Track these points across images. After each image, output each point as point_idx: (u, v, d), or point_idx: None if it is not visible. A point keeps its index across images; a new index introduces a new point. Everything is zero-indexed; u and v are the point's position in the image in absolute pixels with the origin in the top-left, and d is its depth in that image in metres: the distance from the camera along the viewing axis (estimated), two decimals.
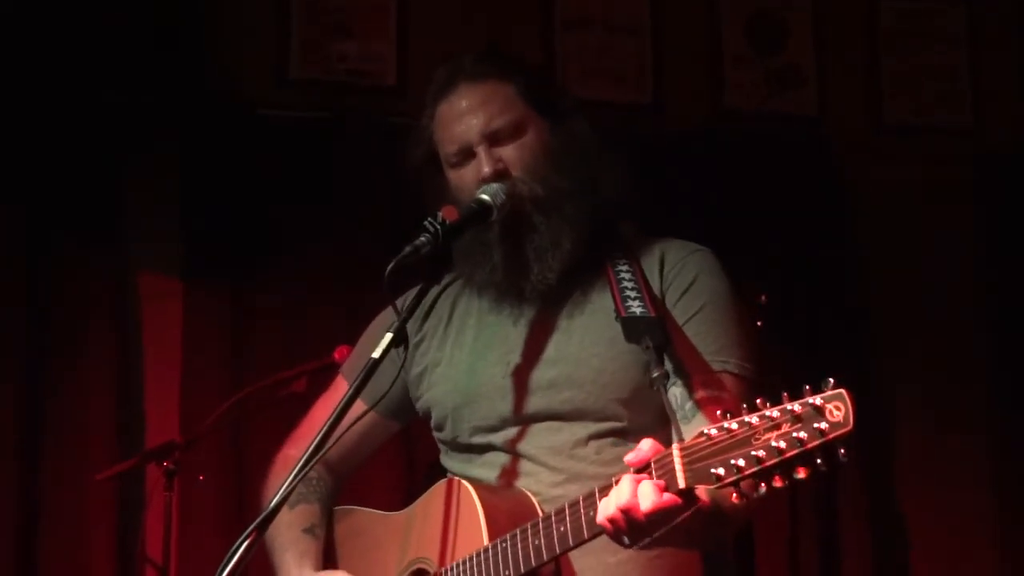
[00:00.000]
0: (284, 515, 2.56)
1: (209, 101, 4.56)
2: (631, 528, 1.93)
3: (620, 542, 1.99)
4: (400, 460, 4.28)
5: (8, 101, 4.39)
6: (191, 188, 4.58)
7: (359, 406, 2.34)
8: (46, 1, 4.41)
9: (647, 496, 1.89)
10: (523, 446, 2.38)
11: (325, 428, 2.15)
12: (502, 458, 2.40)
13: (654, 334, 2.22)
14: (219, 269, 4.53)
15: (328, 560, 2.60)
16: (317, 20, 4.82)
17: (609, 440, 2.33)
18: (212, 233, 4.53)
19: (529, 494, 2.31)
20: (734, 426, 1.78)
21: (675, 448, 1.87)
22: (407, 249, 2.24)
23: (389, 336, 2.22)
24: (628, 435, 2.06)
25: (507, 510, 2.27)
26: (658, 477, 1.90)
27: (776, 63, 5.20)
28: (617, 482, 1.96)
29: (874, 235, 5.11)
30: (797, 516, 4.76)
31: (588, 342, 2.38)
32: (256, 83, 4.74)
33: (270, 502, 2.07)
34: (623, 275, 2.38)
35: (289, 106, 4.70)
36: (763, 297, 3.98)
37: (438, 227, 2.26)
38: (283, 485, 2.09)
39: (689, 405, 2.21)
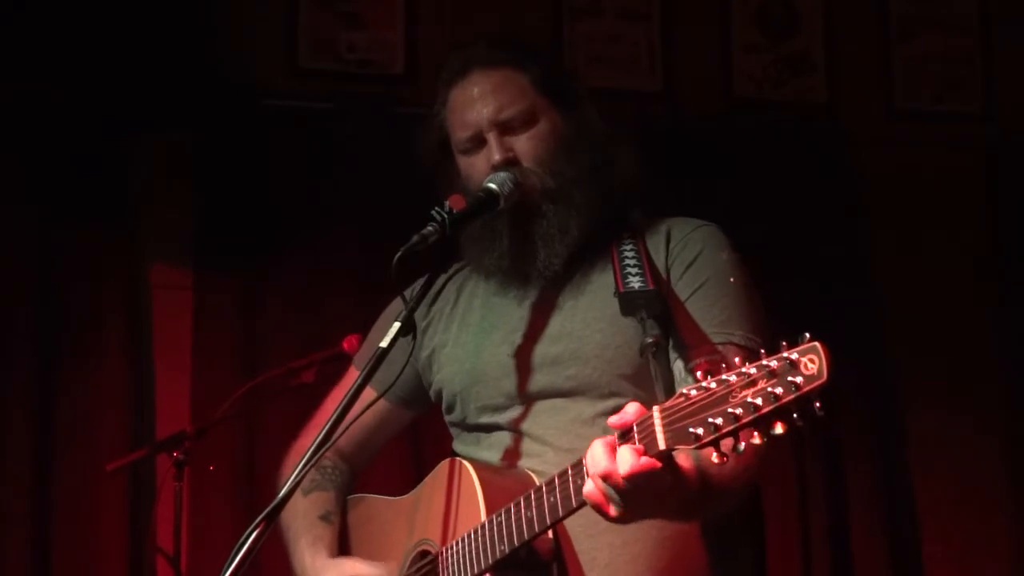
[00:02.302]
0: (299, 502, 2.58)
1: (219, 92, 4.56)
2: (616, 495, 1.91)
3: (607, 513, 1.95)
4: (408, 448, 4.29)
5: (17, 96, 4.40)
6: (201, 179, 4.59)
7: (369, 394, 2.34)
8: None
9: (625, 460, 1.87)
10: (528, 425, 2.39)
11: (335, 416, 2.15)
12: (509, 438, 2.40)
13: (650, 306, 2.23)
14: (230, 260, 4.54)
15: (342, 547, 2.61)
16: (326, 9, 4.83)
17: None
18: (223, 224, 4.54)
19: (531, 473, 2.31)
20: (713, 385, 1.77)
21: (656, 410, 1.86)
22: (415, 238, 2.24)
23: (397, 325, 2.23)
24: None
25: (506, 488, 2.26)
26: (640, 440, 1.88)
27: (786, 50, 5.19)
28: (591, 447, 1.95)
29: (886, 222, 5.10)
30: (807, 508, 4.76)
31: (591, 318, 2.38)
32: (266, 73, 4.74)
33: (281, 492, 2.07)
34: (626, 253, 2.38)
35: (298, 96, 4.71)
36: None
37: (445, 216, 2.27)
38: (294, 473, 2.09)
39: (691, 378, 2.19)
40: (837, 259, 4.99)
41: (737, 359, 1.77)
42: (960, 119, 5.31)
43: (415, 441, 4.25)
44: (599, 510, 1.95)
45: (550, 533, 2.17)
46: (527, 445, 2.37)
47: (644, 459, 1.86)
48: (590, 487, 1.94)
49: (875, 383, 4.87)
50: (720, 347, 2.27)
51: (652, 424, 1.85)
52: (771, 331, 2.33)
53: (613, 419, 1.94)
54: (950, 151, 5.19)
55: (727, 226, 2.48)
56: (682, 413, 1.80)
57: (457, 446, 2.53)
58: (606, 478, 1.90)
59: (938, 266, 5.07)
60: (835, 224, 5.02)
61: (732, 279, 2.37)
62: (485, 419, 2.45)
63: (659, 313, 2.22)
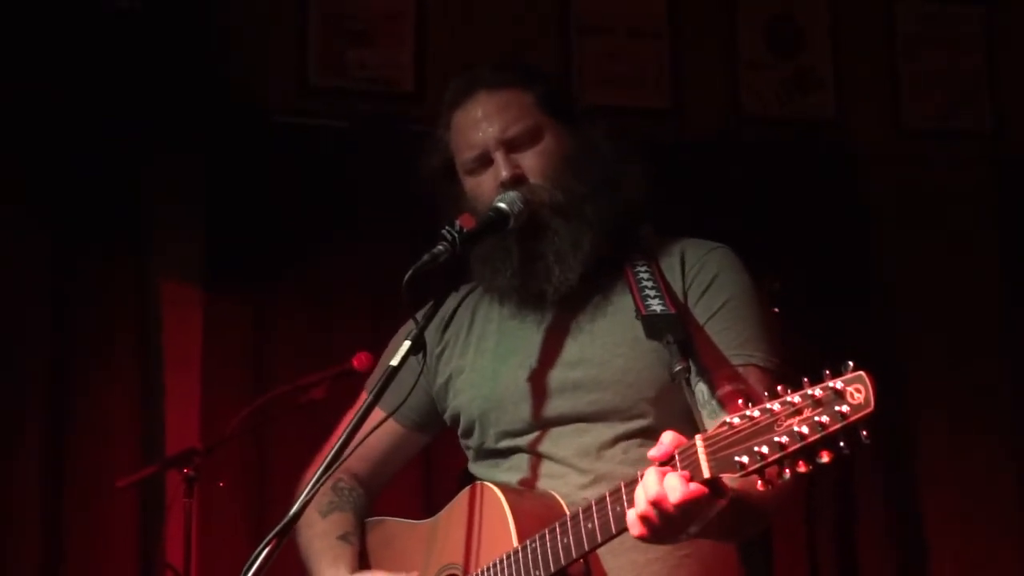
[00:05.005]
0: (318, 524, 2.59)
1: (229, 110, 4.58)
2: (663, 522, 1.93)
3: (651, 539, 1.97)
4: (419, 467, 4.29)
5: (33, 112, 4.43)
6: (212, 196, 4.61)
7: (379, 414, 2.35)
8: (73, 16, 4.44)
9: (675, 488, 1.89)
10: (550, 449, 2.39)
11: (344, 436, 2.16)
12: (529, 461, 2.40)
13: (675, 330, 2.23)
14: (240, 276, 4.55)
15: (362, 570, 2.59)
16: (336, 28, 4.85)
17: (636, 440, 2.33)
18: (233, 241, 4.56)
19: (556, 495, 2.31)
20: (756, 414, 1.78)
21: (698, 439, 1.87)
22: (425, 257, 2.25)
23: (407, 344, 2.24)
24: (654, 434, 2.01)
25: (535, 512, 2.26)
26: (683, 468, 1.89)
27: (794, 68, 5.21)
28: (642, 476, 1.95)
29: (894, 239, 5.10)
30: (815, 520, 4.75)
31: (611, 343, 2.38)
32: (276, 91, 4.76)
33: (292, 510, 2.08)
34: (642, 275, 2.38)
35: (309, 114, 4.73)
36: (777, 284, 3.97)
37: (455, 235, 2.27)
38: (303, 492, 2.10)
39: (715, 401, 2.21)
40: (846, 275, 5.00)
41: (780, 387, 1.78)
42: (967, 136, 5.32)
43: (427, 461, 4.25)
44: (642, 537, 1.97)
45: None
46: (549, 468, 2.38)
47: (693, 486, 1.88)
48: (634, 516, 1.95)
49: (886, 400, 4.86)
50: (741, 369, 2.29)
51: (695, 452, 1.87)
52: (786, 348, 2.37)
53: (653, 451, 1.95)
54: (957, 168, 5.20)
55: (735, 243, 2.49)
56: (726, 441, 1.82)
57: (475, 469, 2.53)
58: (656, 504, 1.91)
59: (945, 281, 5.08)
60: (844, 240, 5.03)
61: (749, 301, 2.38)
62: (505, 443, 2.45)
63: (683, 337, 2.23)
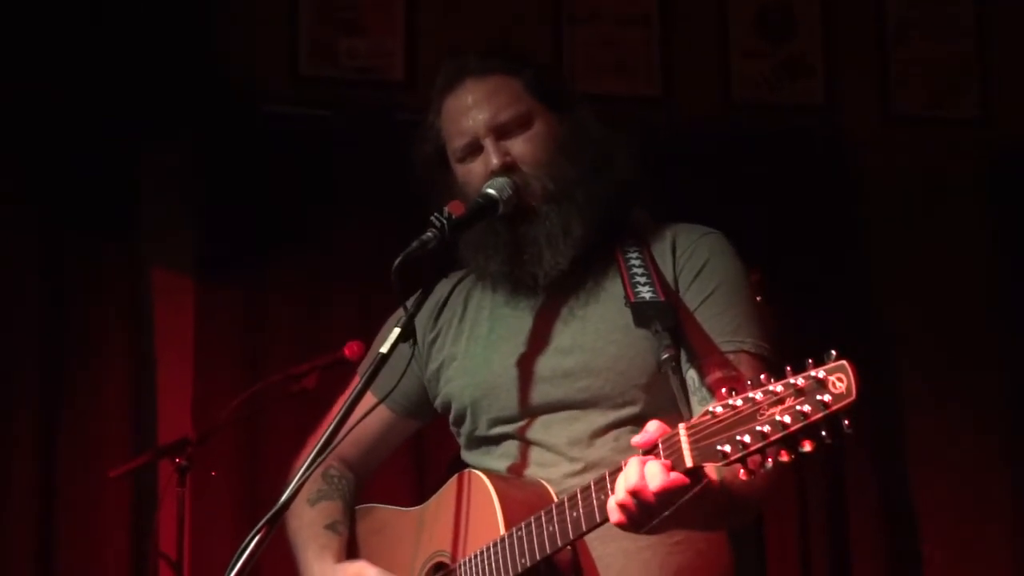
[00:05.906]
0: (306, 513, 2.59)
1: (220, 99, 4.58)
2: (640, 510, 1.94)
3: (631, 528, 1.99)
4: (410, 454, 4.30)
5: (25, 100, 4.42)
6: (203, 185, 4.60)
7: (370, 400, 2.35)
8: (66, 5, 4.43)
9: (655, 476, 1.90)
10: (541, 436, 2.39)
11: (335, 422, 2.16)
12: (520, 449, 2.41)
13: (663, 318, 2.23)
14: (232, 264, 4.56)
15: (351, 558, 2.58)
16: (326, 17, 4.84)
17: (627, 428, 2.33)
18: (224, 229, 4.56)
19: (545, 483, 2.32)
20: (739, 403, 1.79)
21: (681, 427, 1.88)
22: (414, 244, 2.25)
23: (397, 331, 2.24)
24: (645, 421, 2.00)
25: (523, 500, 2.27)
26: (666, 457, 1.90)
27: (785, 54, 5.20)
28: (625, 465, 1.96)
29: (884, 227, 5.11)
30: (807, 509, 4.77)
31: (603, 330, 2.38)
32: (266, 80, 4.75)
33: (282, 497, 2.09)
34: (633, 261, 2.38)
35: (299, 102, 4.72)
36: (756, 275, 3.98)
37: (444, 222, 2.27)
38: (294, 480, 2.10)
39: (705, 388, 2.22)
40: (836, 262, 5.00)
41: (763, 376, 1.79)
42: (958, 124, 5.32)
43: (419, 449, 4.26)
44: (621, 525, 1.98)
45: None
46: (539, 456, 2.38)
47: (674, 475, 1.89)
48: (614, 504, 1.96)
49: (875, 388, 4.87)
50: (732, 355, 2.29)
51: (678, 441, 1.88)
52: (778, 335, 2.37)
53: (637, 439, 1.97)
54: (948, 155, 5.20)
55: (725, 231, 2.49)
56: (709, 431, 1.83)
57: (466, 456, 2.53)
58: (636, 494, 1.92)
59: (937, 269, 5.08)
60: (834, 227, 5.03)
61: (740, 287, 2.38)
62: (496, 430, 2.45)
63: (672, 325, 2.23)
